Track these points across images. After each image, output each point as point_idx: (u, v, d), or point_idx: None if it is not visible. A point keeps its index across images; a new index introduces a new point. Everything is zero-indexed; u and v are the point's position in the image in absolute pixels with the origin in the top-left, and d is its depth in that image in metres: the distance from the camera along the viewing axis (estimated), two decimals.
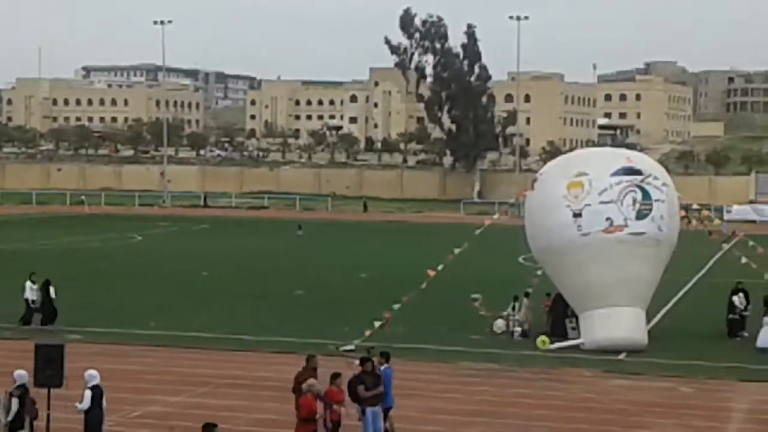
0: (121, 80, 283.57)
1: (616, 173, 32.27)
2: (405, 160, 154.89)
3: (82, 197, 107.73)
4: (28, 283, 35.88)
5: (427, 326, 35.17)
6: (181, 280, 47.98)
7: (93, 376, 20.35)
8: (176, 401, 24.77)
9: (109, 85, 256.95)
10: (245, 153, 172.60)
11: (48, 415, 19.98)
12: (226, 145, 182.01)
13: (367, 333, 31.13)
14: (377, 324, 31.67)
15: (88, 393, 20.11)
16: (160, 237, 73.82)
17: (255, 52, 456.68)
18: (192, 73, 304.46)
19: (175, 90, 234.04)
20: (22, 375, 20.10)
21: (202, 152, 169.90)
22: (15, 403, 19.80)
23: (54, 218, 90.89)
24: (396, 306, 32.59)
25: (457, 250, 34.42)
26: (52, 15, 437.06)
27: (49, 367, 20.07)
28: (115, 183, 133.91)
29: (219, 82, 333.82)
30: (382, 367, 21.38)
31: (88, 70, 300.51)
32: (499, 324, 34.58)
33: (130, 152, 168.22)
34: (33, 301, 35.56)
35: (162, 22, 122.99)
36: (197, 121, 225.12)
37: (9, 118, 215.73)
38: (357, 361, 21.85)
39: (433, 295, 36.27)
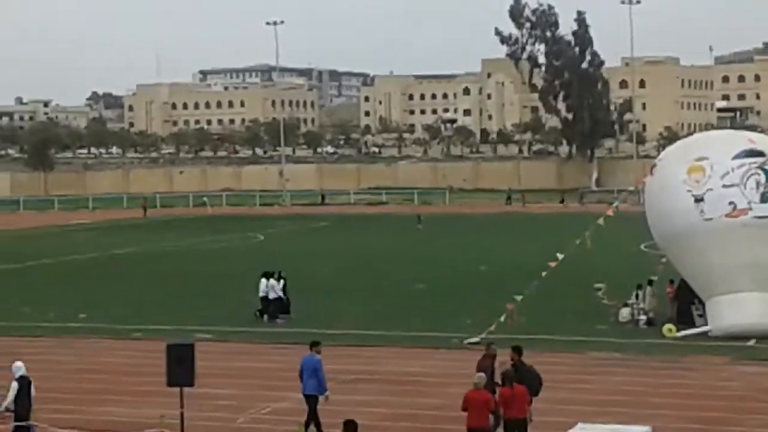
0: (237, 82, 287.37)
1: (737, 156, 31.73)
2: (521, 151, 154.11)
3: (204, 199, 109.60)
4: (263, 280, 36.68)
5: (551, 317, 35.05)
6: (306, 277, 48.53)
7: (19, 367, 20.81)
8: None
9: (226, 88, 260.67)
10: (361, 149, 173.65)
11: (181, 413, 20.44)
12: (342, 142, 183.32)
13: (491, 326, 31.11)
14: (502, 317, 31.64)
15: (14, 384, 20.59)
16: (282, 236, 74.75)
17: (367, 48, 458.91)
18: (306, 72, 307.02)
19: (289, 89, 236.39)
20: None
21: (318, 150, 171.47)
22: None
23: (178, 220, 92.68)
24: (518, 297, 32.54)
25: (578, 240, 34.23)
26: (167, 21, 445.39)
27: (181, 365, 20.47)
28: (236, 184, 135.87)
29: (332, 79, 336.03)
30: (309, 354, 21.81)
31: (204, 74, 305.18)
32: (624, 313, 34.28)
33: (249, 153, 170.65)
34: (266, 298, 36.43)
35: (274, 23, 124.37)
36: (312, 120, 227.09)
37: (131, 124, 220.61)
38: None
39: (555, 286, 36.14)
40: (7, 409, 20.70)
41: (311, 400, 21.68)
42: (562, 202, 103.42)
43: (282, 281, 37.09)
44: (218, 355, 29.35)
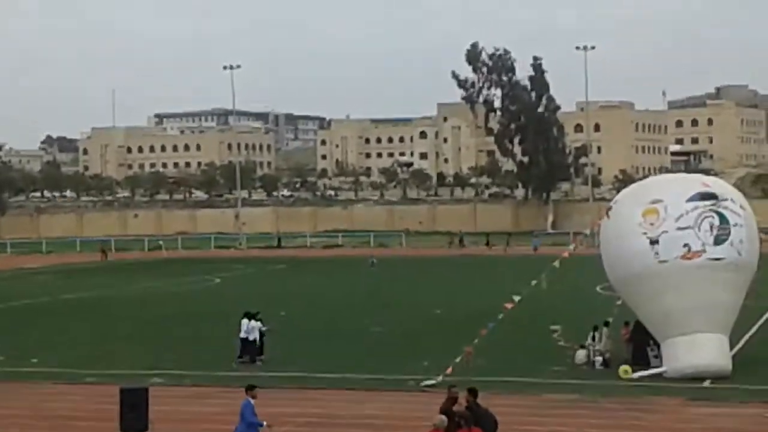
0: (194, 126, 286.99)
1: (691, 198, 31.98)
2: (477, 194, 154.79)
3: (160, 242, 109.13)
4: (244, 321, 36.25)
5: (508, 359, 35.02)
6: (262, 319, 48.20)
7: None
8: None
9: (182, 131, 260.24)
10: (317, 193, 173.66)
11: None
12: (298, 185, 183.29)
13: (448, 369, 31.01)
14: (458, 358, 31.57)
15: None
16: (239, 278, 74.45)
17: (323, 92, 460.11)
18: (262, 116, 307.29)
19: (246, 133, 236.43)
20: None
21: (275, 193, 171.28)
22: None
23: (133, 264, 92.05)
24: (475, 339, 32.49)
25: (533, 282, 34.29)
26: (123, 64, 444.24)
27: (135, 411, 20.28)
28: (191, 227, 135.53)
29: (289, 123, 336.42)
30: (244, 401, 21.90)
31: (160, 117, 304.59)
32: (581, 355, 34.31)
33: (205, 196, 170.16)
34: (247, 339, 35.97)
35: (231, 67, 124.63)
36: (269, 163, 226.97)
37: (86, 167, 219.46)
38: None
39: (511, 328, 36.14)
40: None
41: None
42: (487, 244, 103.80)
43: (259, 323, 36.71)
44: (172, 399, 29.02)
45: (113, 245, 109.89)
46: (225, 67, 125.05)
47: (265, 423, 21.61)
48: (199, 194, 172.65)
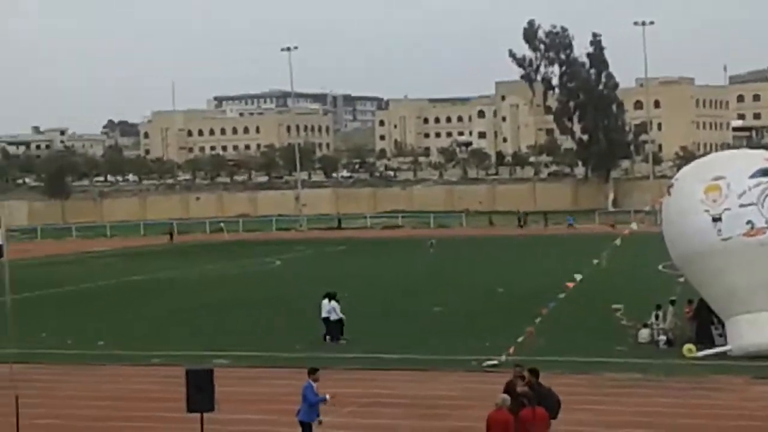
0: (252, 108, 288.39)
1: (754, 175, 31.63)
2: (536, 173, 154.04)
3: (221, 224, 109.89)
4: (325, 302, 36.76)
5: (569, 338, 34.95)
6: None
7: None
8: (324, 421, 25.07)
9: (241, 114, 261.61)
10: (377, 173, 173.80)
11: None
12: (357, 166, 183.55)
13: (510, 348, 31.01)
14: (519, 338, 31.56)
15: None
16: (299, 260, 74.84)
17: (381, 72, 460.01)
18: (320, 97, 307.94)
19: (304, 114, 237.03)
20: None
21: (334, 175, 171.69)
22: None
23: (195, 246, 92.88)
24: (537, 319, 32.46)
25: (595, 261, 34.16)
26: (182, 48, 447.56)
27: (201, 392, 20.46)
28: (252, 209, 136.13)
29: (347, 104, 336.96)
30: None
31: (219, 100, 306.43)
32: (644, 333, 34.14)
33: (265, 178, 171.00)
34: (328, 319, 36.53)
35: (289, 49, 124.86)
36: (328, 145, 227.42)
37: (147, 151, 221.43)
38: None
39: (573, 307, 36.05)
40: None
41: (302, 427, 21.78)
42: (519, 224, 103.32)
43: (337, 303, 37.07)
44: (236, 380, 29.35)
45: (175, 228, 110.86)
46: (283, 49, 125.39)
47: (327, 396, 21.78)
48: (260, 177, 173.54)
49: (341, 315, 36.86)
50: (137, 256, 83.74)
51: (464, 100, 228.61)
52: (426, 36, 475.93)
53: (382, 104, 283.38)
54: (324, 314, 36.82)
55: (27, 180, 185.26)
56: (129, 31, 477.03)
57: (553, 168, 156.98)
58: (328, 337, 36.62)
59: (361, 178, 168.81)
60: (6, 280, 24.72)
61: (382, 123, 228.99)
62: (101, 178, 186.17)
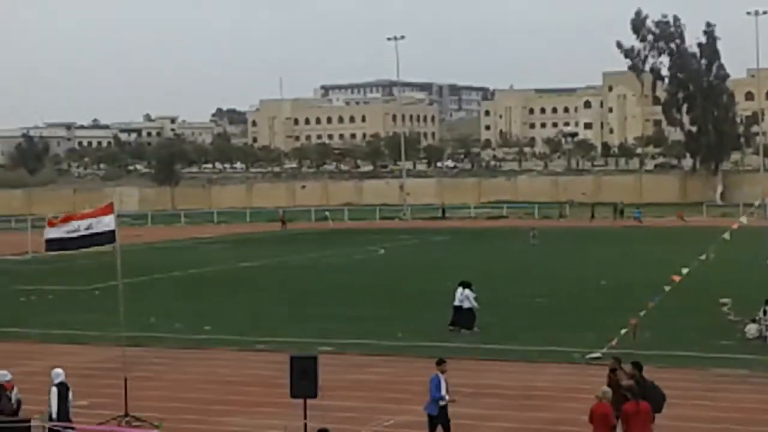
0: (358, 97, 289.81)
1: None
2: (643, 164, 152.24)
3: (326, 213, 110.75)
4: (459, 289, 36.95)
5: (674, 332, 34.57)
6: (425, 291, 48.76)
7: (58, 374, 21.90)
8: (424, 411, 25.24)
9: (347, 103, 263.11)
10: (481, 163, 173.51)
11: (305, 425, 20.73)
12: (462, 156, 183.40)
13: (613, 341, 30.80)
14: (623, 331, 31.32)
15: (54, 390, 21.56)
16: (403, 249, 75.13)
17: (487, 63, 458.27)
18: (426, 87, 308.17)
19: (410, 104, 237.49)
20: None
21: (438, 164, 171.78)
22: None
23: (301, 234, 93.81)
24: (641, 312, 32.17)
25: (702, 255, 33.73)
26: (289, 37, 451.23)
27: (304, 378, 20.74)
28: (357, 198, 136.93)
29: (453, 94, 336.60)
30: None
31: (326, 89, 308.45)
32: (752, 329, 33.60)
33: (370, 167, 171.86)
34: (460, 308, 36.59)
35: (395, 38, 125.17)
36: (433, 134, 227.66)
37: (254, 139, 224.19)
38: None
39: (679, 301, 35.65)
40: (50, 416, 21.62)
41: (429, 420, 21.56)
42: (592, 217, 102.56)
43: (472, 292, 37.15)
44: (339, 367, 29.67)
45: (284, 215, 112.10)
46: (389, 38, 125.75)
47: (446, 396, 21.42)
48: (365, 165, 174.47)
49: (475, 304, 36.77)
50: (244, 242, 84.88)
51: (570, 91, 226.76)
52: (533, 26, 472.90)
53: (487, 94, 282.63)
54: (456, 302, 36.76)
55: (138, 166, 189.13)
56: (237, 21, 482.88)
57: (660, 160, 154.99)
58: (455, 326, 36.50)
59: (466, 168, 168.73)
60: (118, 264, 25.31)
61: (487, 113, 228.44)
62: (209, 166, 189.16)
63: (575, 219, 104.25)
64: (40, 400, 25.28)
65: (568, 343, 33.13)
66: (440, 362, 21.83)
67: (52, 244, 24.82)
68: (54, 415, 21.54)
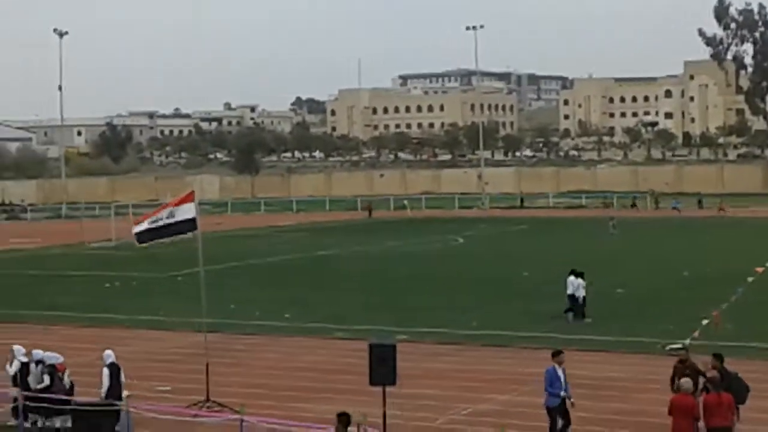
0: (437, 86, 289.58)
1: None
2: (725, 154, 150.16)
3: (404, 201, 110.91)
4: (571, 278, 37.07)
5: (757, 324, 34.10)
6: (502, 280, 48.73)
7: (109, 355, 22.93)
8: (504, 399, 25.33)
9: (425, 92, 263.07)
10: (560, 153, 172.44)
11: (384, 412, 20.86)
12: (541, 145, 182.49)
13: (694, 332, 30.54)
14: (704, 322, 31.05)
15: (105, 371, 22.43)
16: (481, 238, 75.04)
17: (565, 52, 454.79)
18: (504, 76, 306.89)
19: (488, 93, 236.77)
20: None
21: (517, 154, 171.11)
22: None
23: (379, 223, 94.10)
24: (723, 304, 31.85)
25: None
26: (368, 27, 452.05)
27: (383, 365, 20.86)
28: (435, 187, 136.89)
29: (531, 83, 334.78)
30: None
31: (404, 78, 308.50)
32: None
33: (448, 156, 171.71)
34: (573, 296, 36.69)
35: (474, 27, 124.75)
36: (511, 123, 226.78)
37: (333, 128, 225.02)
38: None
39: (762, 293, 35.21)
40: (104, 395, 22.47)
41: (548, 413, 21.13)
42: (633, 206, 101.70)
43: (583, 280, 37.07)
44: (416, 355, 29.79)
45: (359, 205, 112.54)
46: (468, 28, 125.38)
47: (561, 393, 20.78)
48: (443, 155, 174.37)
49: (582, 293, 36.59)
50: (322, 231, 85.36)
51: (651, 80, 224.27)
52: (612, 14, 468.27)
53: (566, 83, 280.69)
54: (570, 291, 36.74)
55: (218, 155, 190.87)
56: (317, 10, 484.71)
57: (743, 149, 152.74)
58: (570, 313, 36.44)
59: (545, 158, 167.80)
60: (199, 251, 25.68)
61: (566, 102, 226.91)
62: (289, 154, 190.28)
63: (654, 209, 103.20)
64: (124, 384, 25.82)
65: (647, 334, 32.90)
66: (556, 354, 21.22)
67: (141, 236, 25.50)
68: (104, 395, 22.42)
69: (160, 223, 25.30)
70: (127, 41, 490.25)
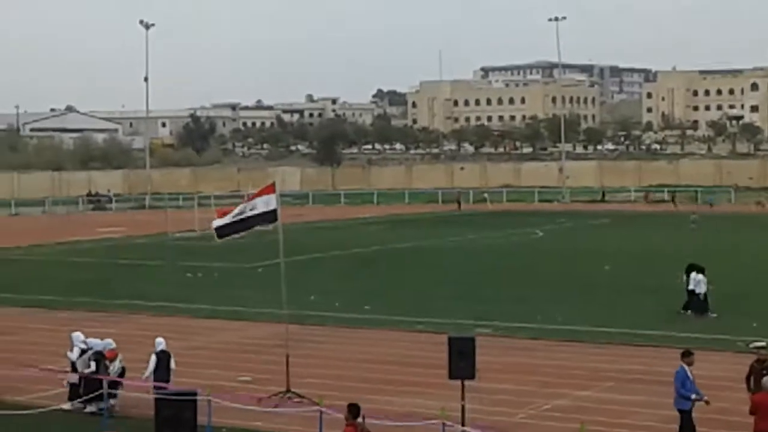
0: (518, 79, 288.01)
1: None
2: None
3: (485, 194, 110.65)
4: (693, 274, 36.72)
5: None
6: (582, 275, 48.45)
7: (160, 342, 23.77)
8: (584, 395, 25.22)
9: (507, 84, 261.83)
10: (643, 146, 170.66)
11: (462, 406, 20.91)
12: (623, 139, 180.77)
13: None
14: None
15: (153, 357, 23.32)
16: (561, 232, 74.64)
17: (649, 43, 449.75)
18: (587, 69, 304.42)
19: (570, 86, 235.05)
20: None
21: (599, 147, 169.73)
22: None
23: (458, 215, 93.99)
24: None
25: None
26: (449, 19, 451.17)
27: (462, 359, 20.89)
28: (515, 180, 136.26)
29: (614, 76, 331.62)
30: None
31: (486, 71, 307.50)
32: None
33: (529, 149, 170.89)
34: (693, 292, 36.44)
35: (556, 19, 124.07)
36: (593, 116, 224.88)
37: (414, 121, 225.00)
38: None
39: None
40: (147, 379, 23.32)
41: (680, 415, 20.44)
42: (673, 201, 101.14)
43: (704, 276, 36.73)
44: (496, 349, 29.76)
45: (440, 197, 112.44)
46: (550, 20, 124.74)
47: (705, 397, 20.22)
48: (524, 148, 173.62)
49: (702, 289, 36.25)
50: (402, 223, 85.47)
51: (736, 72, 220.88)
52: (697, 5, 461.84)
53: (649, 76, 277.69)
54: (691, 286, 36.41)
55: (300, 147, 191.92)
56: (398, 2, 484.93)
57: None
58: (689, 310, 36.15)
59: (626, 151, 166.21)
60: (280, 243, 25.92)
61: (649, 95, 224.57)
62: (369, 147, 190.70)
63: (741, 204, 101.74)
64: (198, 374, 26.30)
65: (730, 332, 32.50)
66: (686, 354, 20.46)
67: (221, 230, 25.74)
68: (145, 377, 23.38)
69: (243, 215, 25.58)
70: (211, 34, 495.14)
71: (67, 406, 24.08)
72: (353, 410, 17.07)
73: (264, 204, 25.54)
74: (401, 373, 27.94)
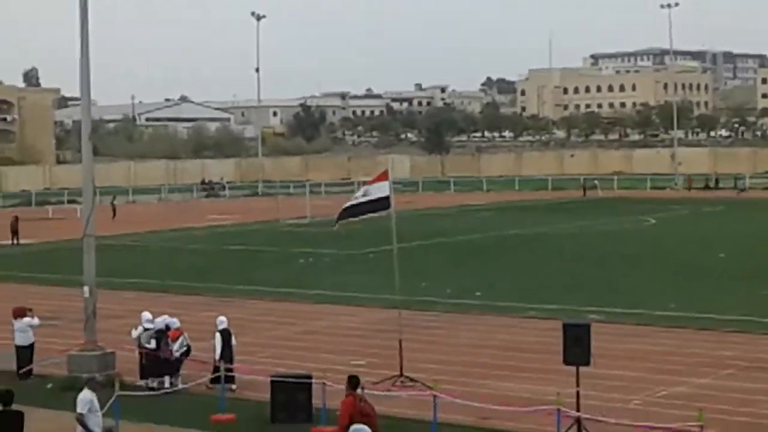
0: (628, 66, 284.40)
1: None
2: None
3: (595, 181, 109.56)
4: None
5: None
6: (698, 262, 47.74)
7: (222, 321, 24.78)
8: (702, 383, 24.86)
9: (617, 71, 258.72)
10: (758, 133, 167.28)
11: (577, 392, 20.77)
12: (737, 125, 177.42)
13: None
14: None
15: (218, 336, 24.37)
16: (674, 219, 73.59)
17: (764, 28, 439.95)
18: (699, 55, 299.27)
19: (682, 72, 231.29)
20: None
21: (712, 134, 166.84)
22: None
23: (570, 203, 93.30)
24: None
25: None
26: (560, 5, 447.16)
27: (577, 345, 20.77)
28: (626, 167, 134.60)
29: (727, 62, 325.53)
30: None
31: (596, 58, 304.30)
32: None
33: (639, 136, 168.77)
34: None
35: (668, 5, 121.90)
36: (706, 103, 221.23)
37: (523, 108, 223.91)
38: None
39: None
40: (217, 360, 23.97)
41: None
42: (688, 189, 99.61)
43: None
44: (610, 336, 29.50)
45: (549, 184, 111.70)
46: (662, 6, 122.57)
47: None
48: (635, 135, 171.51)
49: None
50: (512, 210, 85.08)
51: None
52: None
53: (765, 61, 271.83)
54: None
55: (409, 135, 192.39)
56: None
57: None
58: None
59: (741, 138, 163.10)
60: (393, 229, 26.06)
61: (764, 81, 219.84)
62: (478, 134, 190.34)
63: None
64: (312, 358, 26.61)
65: None
66: None
67: (339, 216, 26.19)
68: (217, 357, 24.02)
69: (357, 201, 25.88)
70: (321, 24, 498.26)
71: (140, 382, 25.07)
72: (353, 381, 17.44)
73: (378, 191, 25.75)
74: (514, 359, 27.87)
